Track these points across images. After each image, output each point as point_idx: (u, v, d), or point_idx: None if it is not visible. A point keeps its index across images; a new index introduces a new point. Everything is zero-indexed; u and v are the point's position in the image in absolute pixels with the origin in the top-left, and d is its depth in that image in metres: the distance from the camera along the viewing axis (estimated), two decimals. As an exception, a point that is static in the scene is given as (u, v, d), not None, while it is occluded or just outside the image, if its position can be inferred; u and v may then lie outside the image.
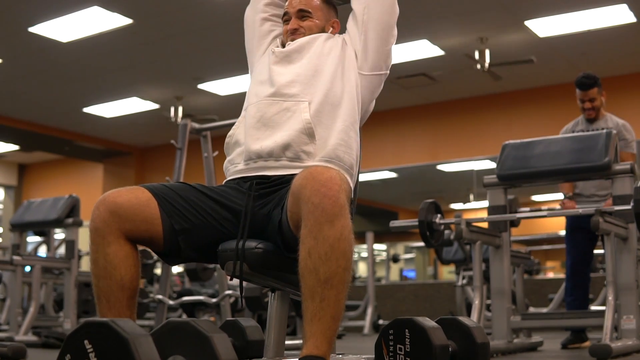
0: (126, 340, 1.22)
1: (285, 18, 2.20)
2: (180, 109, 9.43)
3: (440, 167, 10.27)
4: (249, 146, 1.96)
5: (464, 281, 7.28)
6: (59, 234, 7.90)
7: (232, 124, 2.10)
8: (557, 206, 5.16)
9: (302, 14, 2.15)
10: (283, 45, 2.17)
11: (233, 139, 2.05)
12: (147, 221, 1.82)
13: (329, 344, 1.64)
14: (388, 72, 2.14)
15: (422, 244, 4.18)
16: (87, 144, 11.13)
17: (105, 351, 1.23)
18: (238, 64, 6.86)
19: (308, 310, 1.64)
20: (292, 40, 2.14)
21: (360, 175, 2.13)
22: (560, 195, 4.80)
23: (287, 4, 2.20)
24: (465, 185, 11.14)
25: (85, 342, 1.25)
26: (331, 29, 2.19)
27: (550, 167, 3.81)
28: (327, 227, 1.62)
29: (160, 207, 1.84)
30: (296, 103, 1.97)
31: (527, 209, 5.59)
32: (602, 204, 4.26)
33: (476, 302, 3.75)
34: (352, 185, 1.96)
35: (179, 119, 9.28)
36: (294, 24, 2.14)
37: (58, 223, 5.62)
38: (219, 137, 2.95)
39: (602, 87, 4.51)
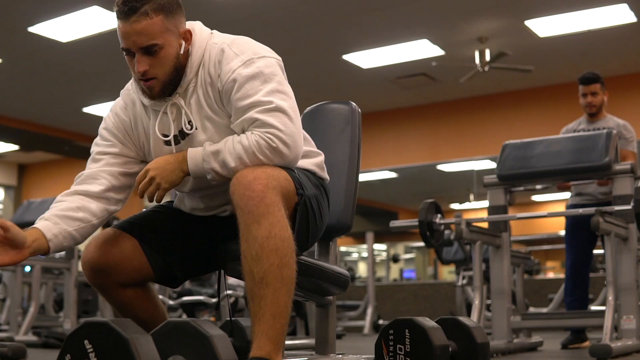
0: (126, 340, 1.22)
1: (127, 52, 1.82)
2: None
3: (440, 167, 10.27)
4: None
5: (464, 281, 7.28)
6: (59, 234, 7.87)
7: None
8: (557, 207, 5.16)
9: (149, 50, 1.77)
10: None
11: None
12: (138, 269, 1.93)
13: (274, 343, 1.63)
14: None
15: (422, 244, 4.18)
16: (87, 144, 11.06)
17: (105, 351, 1.23)
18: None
19: (251, 311, 1.66)
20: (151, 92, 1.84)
21: (360, 175, 2.13)
22: (560, 195, 4.80)
23: (120, 38, 1.80)
24: (465, 185, 11.14)
25: (85, 342, 1.25)
26: (183, 44, 1.82)
27: (550, 167, 3.81)
28: (254, 227, 1.64)
29: (145, 250, 1.93)
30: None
31: (525, 214, 5.60)
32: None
33: (476, 302, 3.75)
34: (306, 167, 1.93)
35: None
36: (144, 64, 1.78)
37: (58, 223, 5.61)
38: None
39: (605, 88, 4.56)
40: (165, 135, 1.87)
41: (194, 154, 1.79)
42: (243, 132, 1.78)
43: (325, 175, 2.01)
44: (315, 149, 2.01)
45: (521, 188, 4.12)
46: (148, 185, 1.80)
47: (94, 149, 1.96)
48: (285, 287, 1.65)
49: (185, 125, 1.84)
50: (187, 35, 1.83)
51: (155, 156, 1.90)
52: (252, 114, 1.74)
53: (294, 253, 1.69)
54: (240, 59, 1.78)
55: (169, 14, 1.78)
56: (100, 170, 1.91)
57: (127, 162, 1.95)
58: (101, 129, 1.97)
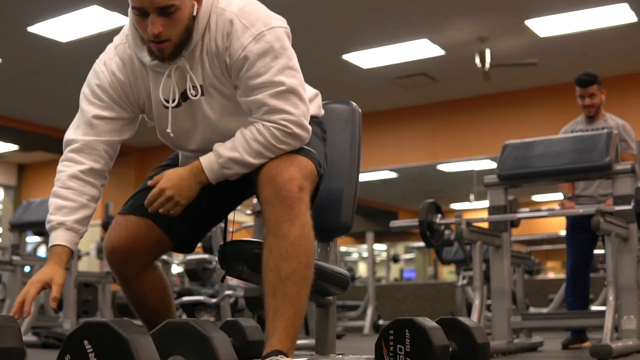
0: (126, 340, 1.22)
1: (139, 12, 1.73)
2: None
3: (440, 167, 10.27)
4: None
5: (464, 281, 7.28)
6: (58, 234, 7.87)
7: None
8: (557, 206, 5.16)
9: (165, 10, 1.71)
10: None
11: None
12: (158, 242, 1.95)
13: (292, 341, 1.66)
14: None
15: (422, 244, 4.18)
16: (87, 144, 11.12)
17: (105, 351, 1.23)
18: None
19: (271, 307, 1.67)
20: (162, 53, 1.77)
21: (360, 175, 2.13)
22: (560, 195, 4.80)
23: None
24: (465, 185, 11.13)
25: (85, 342, 1.25)
26: (195, 5, 1.76)
27: (550, 167, 3.81)
28: (286, 226, 1.66)
29: (159, 225, 1.92)
30: None
31: (527, 209, 5.60)
32: (602, 205, 4.26)
33: (476, 302, 3.75)
34: (312, 113, 1.93)
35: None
36: (158, 26, 1.71)
37: (58, 223, 5.61)
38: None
39: (603, 86, 4.52)
40: (167, 100, 1.83)
41: (210, 164, 1.78)
42: (251, 112, 1.77)
43: (322, 111, 2.05)
44: (311, 89, 2.00)
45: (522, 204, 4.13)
46: (165, 203, 1.78)
47: (86, 107, 1.89)
48: (307, 288, 1.69)
49: (190, 90, 1.81)
50: None
51: (157, 117, 1.89)
52: (263, 97, 1.73)
53: (314, 255, 1.73)
54: (251, 34, 1.73)
55: None
56: (97, 141, 1.87)
57: (123, 126, 1.91)
58: (94, 85, 1.89)
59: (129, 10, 1.76)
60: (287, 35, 1.80)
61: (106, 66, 1.88)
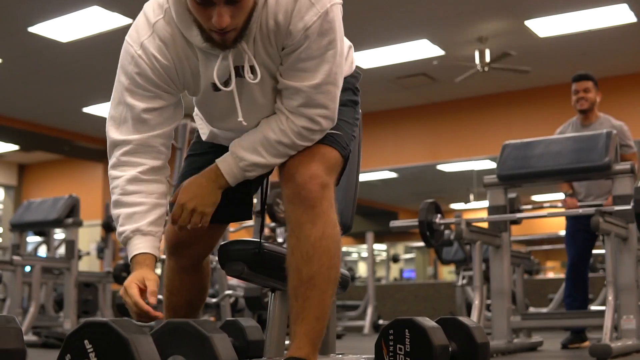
0: (126, 340, 1.22)
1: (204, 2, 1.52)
2: (179, 109, 9.43)
3: (440, 167, 10.27)
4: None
5: (464, 281, 7.28)
6: (58, 234, 7.89)
7: None
8: (558, 205, 5.16)
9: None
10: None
11: None
12: (213, 229, 1.83)
13: (313, 345, 1.63)
14: None
15: (422, 244, 4.18)
16: (87, 144, 11.12)
17: (105, 351, 1.23)
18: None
19: (292, 310, 1.64)
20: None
21: (360, 175, 2.13)
22: (560, 195, 4.80)
23: None
24: (465, 185, 11.13)
25: (86, 342, 1.25)
26: None
27: (550, 167, 3.81)
28: (308, 227, 1.62)
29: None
30: None
31: (530, 206, 5.60)
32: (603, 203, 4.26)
33: (476, 302, 3.75)
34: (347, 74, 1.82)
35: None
36: (227, 17, 1.51)
37: (58, 223, 5.62)
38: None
39: (602, 87, 4.55)
40: (225, 83, 1.64)
41: (230, 169, 1.68)
42: (282, 103, 1.66)
43: (354, 65, 1.90)
44: (345, 42, 1.78)
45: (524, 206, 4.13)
46: (190, 218, 1.67)
47: (132, 101, 1.64)
48: (330, 289, 1.65)
49: (248, 73, 1.61)
50: None
51: (204, 100, 1.73)
52: (305, 87, 1.62)
53: (340, 252, 1.68)
54: (316, 11, 1.56)
55: None
56: (152, 137, 1.66)
57: (175, 111, 1.71)
58: (134, 74, 1.64)
59: None
60: (341, 8, 1.66)
61: (144, 49, 1.62)
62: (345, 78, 1.79)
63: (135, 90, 1.64)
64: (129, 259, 1.65)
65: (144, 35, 1.62)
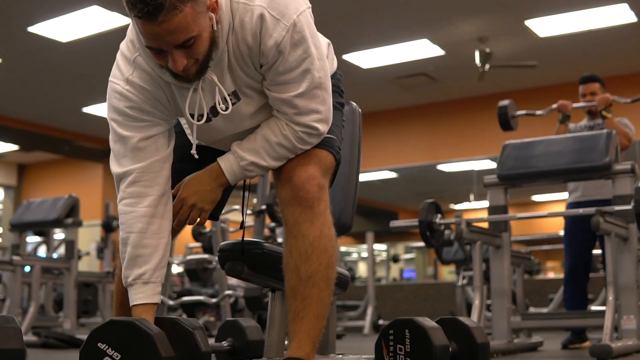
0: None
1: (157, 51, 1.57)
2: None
3: (440, 167, 10.27)
4: None
5: (464, 281, 7.28)
6: (58, 234, 7.90)
7: None
8: (557, 207, 5.16)
9: (185, 44, 1.54)
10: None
11: None
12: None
13: (313, 344, 1.64)
14: None
15: (422, 244, 4.17)
16: (87, 143, 11.12)
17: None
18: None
19: (291, 309, 1.65)
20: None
21: (360, 175, 2.13)
22: (560, 196, 4.80)
23: (145, 38, 1.54)
24: (465, 185, 11.14)
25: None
26: (213, 16, 1.57)
27: (550, 167, 3.81)
28: (306, 226, 1.64)
29: None
30: None
31: (525, 214, 5.60)
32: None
33: (476, 302, 3.75)
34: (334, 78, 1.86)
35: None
36: (182, 60, 1.55)
37: (58, 223, 5.62)
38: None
39: (606, 88, 4.57)
40: (199, 115, 1.67)
41: (230, 167, 1.70)
42: (277, 110, 1.69)
43: (336, 63, 1.94)
44: (322, 40, 1.82)
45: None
46: (189, 212, 1.71)
47: (127, 134, 1.67)
48: (329, 288, 1.67)
49: (219, 104, 1.65)
50: (215, 5, 1.57)
51: (186, 125, 1.77)
52: (292, 98, 1.64)
53: (337, 252, 1.71)
54: (283, 26, 1.58)
55: None
56: (153, 162, 1.68)
57: (172, 132, 1.75)
58: (125, 109, 1.66)
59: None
60: (311, 14, 1.68)
61: (130, 83, 1.66)
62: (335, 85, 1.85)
63: (130, 123, 1.68)
64: (130, 304, 1.69)
65: (127, 71, 1.67)
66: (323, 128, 1.70)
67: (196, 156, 1.70)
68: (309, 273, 1.63)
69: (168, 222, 1.72)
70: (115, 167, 1.72)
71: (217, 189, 1.72)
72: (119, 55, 1.71)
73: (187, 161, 1.77)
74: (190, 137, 1.74)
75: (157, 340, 1.46)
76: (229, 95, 1.67)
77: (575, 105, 4.52)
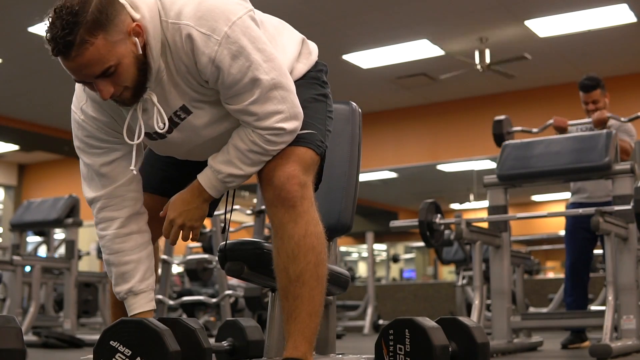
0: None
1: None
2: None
3: (440, 167, 10.28)
4: None
5: (464, 281, 7.28)
6: (58, 234, 7.90)
7: None
8: (557, 207, 5.16)
9: (105, 73, 1.56)
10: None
11: None
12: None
13: (309, 342, 1.64)
14: None
15: (422, 244, 4.18)
16: (87, 144, 11.13)
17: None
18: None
19: (285, 310, 1.66)
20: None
21: (360, 175, 2.13)
22: (560, 196, 4.80)
23: (70, 73, 1.59)
24: (465, 185, 11.14)
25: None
26: (137, 40, 1.57)
27: (550, 167, 3.81)
28: (290, 226, 1.64)
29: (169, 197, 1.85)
30: None
31: (525, 214, 5.60)
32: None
33: (476, 302, 3.75)
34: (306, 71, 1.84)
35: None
36: (107, 88, 1.57)
37: (58, 223, 5.62)
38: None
39: (606, 89, 4.52)
40: (147, 133, 1.71)
41: (210, 182, 1.70)
42: (240, 122, 1.68)
43: (313, 56, 1.88)
44: (294, 37, 1.85)
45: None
46: (178, 232, 1.73)
47: (89, 160, 1.76)
48: (320, 285, 1.67)
49: (157, 124, 1.65)
50: (138, 29, 1.56)
51: (151, 144, 1.80)
52: (248, 106, 1.62)
53: (326, 249, 1.70)
54: (215, 41, 1.57)
55: (108, 25, 1.52)
56: (118, 187, 1.76)
57: (140, 152, 1.77)
58: (83, 137, 1.74)
59: None
60: (252, 19, 1.64)
61: (84, 114, 1.74)
62: (307, 73, 1.83)
63: (89, 150, 1.76)
64: (128, 314, 1.78)
65: (81, 101, 1.75)
66: (290, 126, 1.67)
67: (135, 172, 1.73)
68: (298, 273, 1.63)
69: (145, 234, 1.81)
70: (86, 192, 1.81)
71: (203, 205, 1.74)
72: (76, 84, 1.74)
73: (172, 169, 1.86)
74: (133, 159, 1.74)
75: (164, 336, 1.51)
76: (178, 110, 1.68)
77: (572, 122, 4.48)
